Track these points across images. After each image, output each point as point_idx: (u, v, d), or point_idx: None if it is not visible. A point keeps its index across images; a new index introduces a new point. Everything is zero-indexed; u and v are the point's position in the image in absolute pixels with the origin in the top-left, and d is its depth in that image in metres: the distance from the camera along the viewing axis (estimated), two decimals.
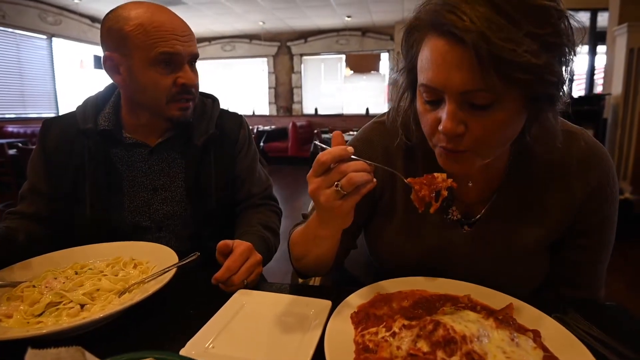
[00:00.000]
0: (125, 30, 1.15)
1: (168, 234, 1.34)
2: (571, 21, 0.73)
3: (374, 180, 0.75)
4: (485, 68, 0.68)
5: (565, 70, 0.75)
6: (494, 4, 0.67)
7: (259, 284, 1.04)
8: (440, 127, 0.77)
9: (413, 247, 1.03)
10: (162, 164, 1.34)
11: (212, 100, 1.47)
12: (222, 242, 1.02)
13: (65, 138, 1.30)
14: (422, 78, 0.79)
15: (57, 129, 1.32)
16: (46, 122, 1.34)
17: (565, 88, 0.76)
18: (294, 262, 1.09)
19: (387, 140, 1.05)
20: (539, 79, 0.70)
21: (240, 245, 1.03)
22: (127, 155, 1.31)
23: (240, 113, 1.52)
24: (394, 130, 1.01)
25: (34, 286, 0.92)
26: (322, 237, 0.88)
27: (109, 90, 1.38)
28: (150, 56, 1.16)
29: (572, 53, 0.75)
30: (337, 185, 0.72)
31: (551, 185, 0.94)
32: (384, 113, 1.08)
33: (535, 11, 0.68)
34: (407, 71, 0.89)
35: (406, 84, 0.92)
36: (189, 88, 1.24)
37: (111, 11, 1.20)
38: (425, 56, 0.78)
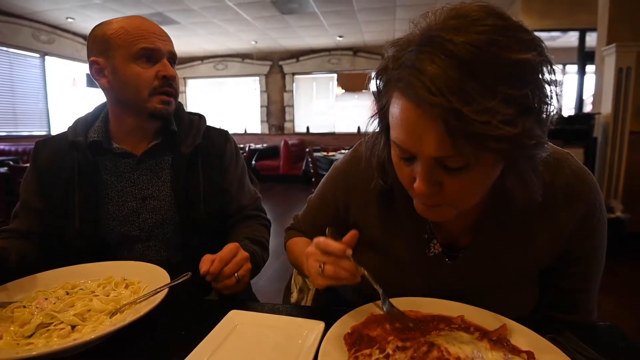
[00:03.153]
0: (107, 34, 1.25)
1: (157, 243, 1.35)
2: (555, 69, 0.68)
3: (359, 280, 0.86)
4: (456, 139, 0.64)
5: (545, 124, 0.70)
6: (464, 63, 0.61)
7: (251, 304, 1.04)
8: (415, 186, 0.75)
9: (396, 279, 1.02)
10: (150, 174, 1.36)
11: (199, 117, 1.53)
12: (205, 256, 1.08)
13: (56, 154, 1.33)
14: (393, 135, 0.76)
15: (49, 148, 1.35)
16: (38, 142, 1.38)
17: (545, 143, 0.72)
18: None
19: (364, 173, 1.03)
20: (516, 146, 0.65)
21: (227, 245, 1.11)
22: (115, 165, 1.35)
23: (227, 130, 1.58)
24: (370, 168, 0.98)
25: (24, 306, 0.91)
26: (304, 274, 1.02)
27: (99, 109, 1.43)
28: (132, 52, 1.24)
29: (554, 100, 0.69)
30: (321, 266, 0.84)
31: (537, 216, 0.90)
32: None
33: (512, 68, 0.62)
34: (380, 117, 0.85)
35: (380, 128, 0.88)
36: (170, 81, 1.30)
37: (96, 25, 1.29)
38: (394, 114, 0.73)
